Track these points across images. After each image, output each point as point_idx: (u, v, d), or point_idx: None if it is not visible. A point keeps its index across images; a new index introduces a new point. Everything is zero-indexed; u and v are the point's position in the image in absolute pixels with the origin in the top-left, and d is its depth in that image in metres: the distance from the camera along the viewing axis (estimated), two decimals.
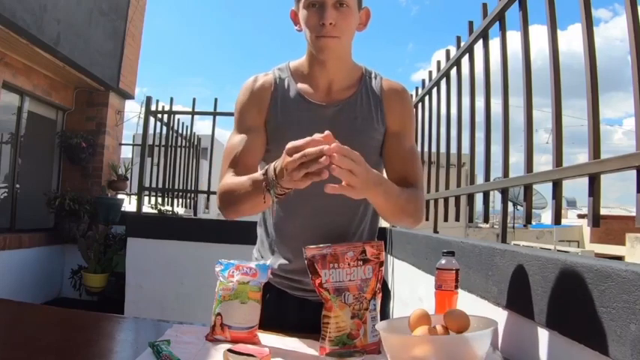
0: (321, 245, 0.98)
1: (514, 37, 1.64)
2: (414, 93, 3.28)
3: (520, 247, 1.19)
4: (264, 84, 1.14)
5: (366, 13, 1.11)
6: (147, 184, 4.55)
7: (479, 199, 1.98)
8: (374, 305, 0.98)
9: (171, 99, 4.63)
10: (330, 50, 1.06)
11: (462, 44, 2.20)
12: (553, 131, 1.34)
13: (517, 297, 1.04)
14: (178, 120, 4.91)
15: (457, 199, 2.30)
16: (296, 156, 0.83)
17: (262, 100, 1.13)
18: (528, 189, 1.49)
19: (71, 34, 4.43)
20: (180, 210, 5.33)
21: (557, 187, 1.28)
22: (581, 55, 1.19)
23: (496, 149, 1.95)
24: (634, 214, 0.99)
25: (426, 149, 2.96)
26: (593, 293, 0.78)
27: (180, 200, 5.18)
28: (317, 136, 0.85)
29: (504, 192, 1.65)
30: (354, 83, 1.15)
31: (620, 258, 9.18)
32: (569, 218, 17.74)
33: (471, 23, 2.07)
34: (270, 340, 1.01)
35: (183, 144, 5.24)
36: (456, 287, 1.06)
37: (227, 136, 1.19)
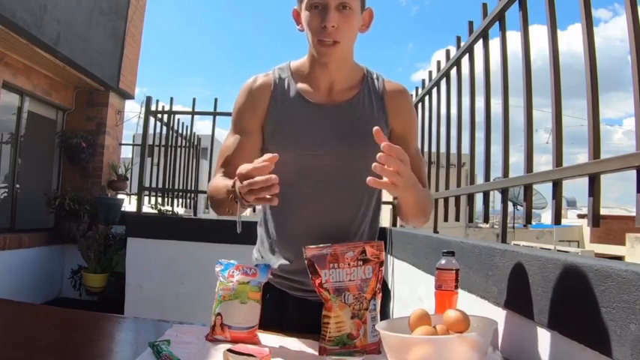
0: (321, 245, 0.98)
1: (514, 37, 1.64)
2: (414, 93, 3.28)
3: (520, 247, 1.19)
4: (263, 84, 1.14)
5: (369, 14, 1.11)
6: (147, 184, 4.55)
7: (479, 199, 1.98)
8: (374, 305, 0.98)
9: (171, 99, 4.64)
10: (330, 57, 1.06)
11: (462, 44, 2.20)
12: (553, 131, 1.34)
13: (517, 297, 1.04)
14: (178, 120, 4.91)
15: (457, 199, 2.30)
16: (245, 183, 0.86)
17: (260, 101, 1.13)
18: (528, 189, 1.49)
19: (71, 34, 4.43)
20: (180, 210, 5.33)
21: (557, 187, 1.28)
22: (581, 55, 1.19)
23: (496, 149, 1.95)
24: (634, 214, 0.99)
25: (426, 149, 2.96)
26: (593, 293, 0.78)
27: (180, 200, 5.18)
28: (260, 160, 0.88)
29: (504, 192, 1.65)
30: (356, 84, 1.15)
31: (620, 258, 9.18)
32: (569, 218, 17.73)
33: (470, 23, 2.07)
34: (270, 340, 1.01)
35: (183, 144, 5.24)
36: (456, 287, 1.06)
37: (225, 136, 1.20)
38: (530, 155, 1.47)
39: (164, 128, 4.72)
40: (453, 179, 2.51)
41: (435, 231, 2.56)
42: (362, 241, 1.11)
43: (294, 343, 1.01)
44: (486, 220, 1.90)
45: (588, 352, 0.78)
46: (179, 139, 5.03)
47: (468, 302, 1.23)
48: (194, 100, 4.59)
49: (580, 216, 17.62)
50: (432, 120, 2.89)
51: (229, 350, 0.85)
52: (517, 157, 1.69)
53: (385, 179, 0.87)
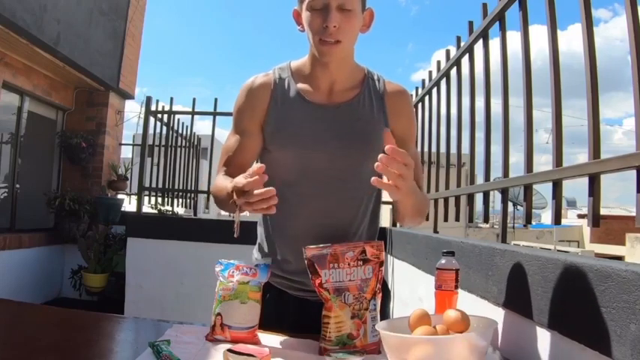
0: (321, 245, 0.98)
1: (514, 37, 1.64)
2: (414, 93, 3.28)
3: (520, 247, 1.19)
4: (263, 84, 1.14)
5: (370, 14, 1.11)
6: (147, 184, 4.55)
7: (479, 199, 1.98)
8: (374, 305, 0.98)
9: (171, 99, 4.64)
10: (332, 56, 1.06)
11: (462, 44, 2.20)
12: (553, 131, 1.34)
13: (517, 297, 1.04)
14: (178, 120, 4.91)
15: (457, 199, 2.30)
16: (241, 198, 0.88)
17: (260, 101, 1.13)
18: (528, 189, 1.49)
19: (71, 34, 4.43)
20: (180, 210, 5.33)
21: (557, 187, 1.28)
22: (581, 55, 1.19)
23: (496, 149, 1.95)
24: (634, 214, 0.99)
25: (426, 149, 2.96)
26: (593, 293, 0.78)
27: (180, 200, 5.18)
28: (250, 171, 0.89)
29: (504, 192, 1.65)
30: (356, 85, 1.15)
31: (620, 258, 9.18)
32: (569, 218, 17.73)
33: (470, 23, 2.07)
34: (270, 340, 1.01)
35: (183, 144, 5.24)
36: (456, 287, 1.06)
37: (227, 135, 1.20)
38: (530, 155, 1.47)
39: (164, 128, 4.72)
40: (453, 179, 2.51)
41: (435, 231, 2.55)
42: (362, 241, 1.11)
43: (294, 343, 1.01)
44: (486, 220, 1.90)
45: (588, 352, 0.78)
46: (179, 139, 5.03)
47: (468, 302, 1.23)
48: (194, 100, 4.60)
49: (580, 216, 17.62)
50: (432, 120, 2.89)
51: (229, 350, 0.85)
52: (517, 157, 1.70)
53: (388, 181, 0.87)
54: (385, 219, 3.78)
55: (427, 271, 1.80)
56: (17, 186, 4.70)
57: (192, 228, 3.81)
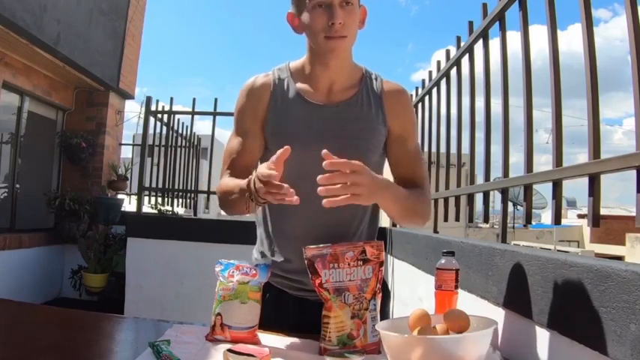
0: (321, 245, 0.98)
1: (514, 37, 1.64)
2: (414, 93, 3.28)
3: (520, 247, 1.19)
4: (262, 85, 1.15)
5: (364, 11, 1.12)
6: (147, 184, 4.55)
7: (479, 199, 1.98)
8: (374, 305, 0.98)
9: (171, 99, 4.64)
10: (339, 51, 1.07)
11: (462, 44, 2.20)
12: (553, 131, 1.34)
13: (517, 297, 1.04)
14: (178, 120, 4.91)
15: (457, 199, 2.30)
16: (264, 188, 0.89)
17: (260, 101, 1.13)
18: (528, 189, 1.49)
19: (71, 34, 4.43)
20: (180, 210, 5.33)
21: (557, 187, 1.28)
22: (581, 55, 1.19)
23: (496, 149, 1.95)
24: (634, 214, 0.99)
25: (426, 149, 2.96)
26: (593, 293, 0.78)
27: (180, 200, 5.18)
28: (277, 155, 0.91)
29: (504, 192, 1.65)
30: (355, 84, 1.15)
31: (620, 258, 9.18)
32: (569, 218, 17.73)
33: (470, 23, 2.07)
34: (270, 340, 1.01)
35: (183, 144, 5.24)
36: (456, 287, 1.06)
37: (227, 135, 1.21)
38: (530, 155, 1.47)
39: (164, 128, 4.72)
40: (453, 179, 2.51)
41: (435, 231, 2.55)
42: (362, 241, 1.11)
43: (294, 343, 1.01)
44: (486, 220, 1.90)
45: (588, 352, 0.78)
46: (179, 139, 5.03)
47: (468, 302, 1.23)
48: (194, 100, 4.60)
49: (580, 216, 17.62)
50: (432, 120, 2.89)
51: (229, 350, 0.85)
52: (517, 157, 1.70)
53: (342, 197, 0.87)
54: (385, 219, 3.78)
55: (427, 271, 1.80)
56: (17, 186, 4.70)
57: (192, 228, 3.81)
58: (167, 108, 4.61)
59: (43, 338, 1.01)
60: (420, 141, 3.04)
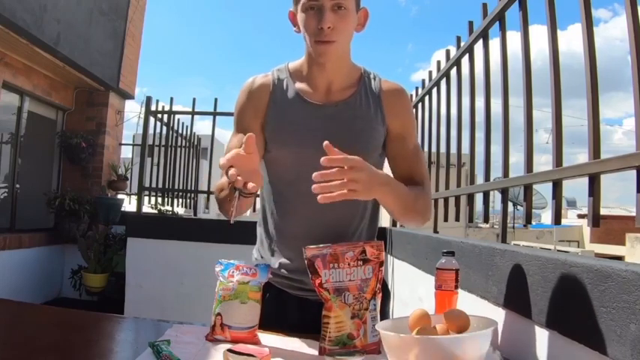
0: (321, 245, 0.98)
1: (514, 37, 1.64)
2: (414, 93, 3.28)
3: (520, 247, 1.19)
4: (262, 85, 1.15)
5: (364, 13, 1.11)
6: (147, 184, 4.55)
7: (479, 199, 1.98)
8: (374, 305, 0.98)
9: (171, 99, 4.64)
10: (328, 55, 1.06)
11: (462, 44, 2.20)
12: (553, 131, 1.34)
13: (517, 297, 1.04)
14: (178, 120, 4.91)
15: (457, 199, 2.30)
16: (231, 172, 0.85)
17: (260, 101, 1.13)
18: (528, 189, 1.49)
19: (71, 34, 4.43)
20: (180, 210, 5.33)
21: (557, 187, 1.28)
22: (581, 55, 1.19)
23: (496, 149, 1.95)
24: (634, 214, 0.99)
25: (426, 149, 2.96)
26: (593, 293, 0.78)
27: (180, 200, 5.18)
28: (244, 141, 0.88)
29: (504, 192, 1.65)
30: (353, 83, 1.15)
31: (620, 258, 9.18)
32: (569, 218, 17.73)
33: (470, 23, 2.07)
34: (270, 340, 1.01)
35: (183, 144, 5.24)
36: (456, 287, 1.06)
37: (227, 135, 1.21)
38: (530, 155, 1.47)
39: (164, 128, 4.73)
40: (453, 179, 2.51)
41: (435, 231, 2.55)
42: (362, 240, 1.11)
43: (294, 343, 1.01)
44: (486, 220, 1.90)
45: (588, 352, 0.78)
46: (179, 139, 5.03)
47: (468, 302, 1.23)
48: (194, 100, 4.60)
49: (580, 216, 17.62)
50: (432, 120, 2.89)
51: (229, 350, 0.85)
52: (517, 157, 1.70)
53: (337, 193, 0.86)
54: (385, 219, 3.78)
55: (427, 271, 1.80)
56: (17, 186, 4.70)
57: (192, 228, 3.81)
58: (167, 108, 4.61)
59: (43, 338, 1.01)
60: (420, 141, 3.04)
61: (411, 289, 2.06)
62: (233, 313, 0.99)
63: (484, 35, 1.92)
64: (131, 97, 5.97)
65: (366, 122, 1.12)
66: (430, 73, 2.90)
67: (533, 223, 15.27)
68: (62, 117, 5.39)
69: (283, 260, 1.14)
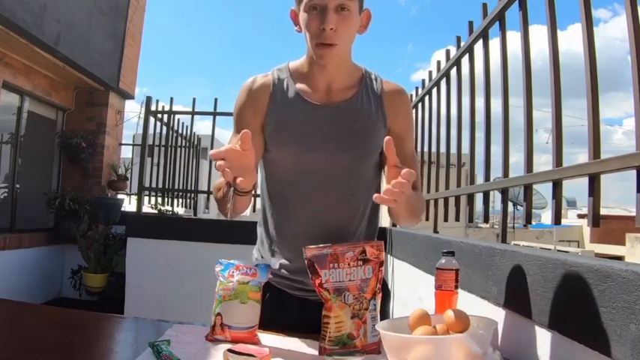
0: (321, 245, 0.98)
1: (514, 37, 1.64)
2: (414, 93, 3.28)
3: (520, 247, 1.19)
4: (262, 85, 1.14)
5: (367, 15, 1.11)
6: (147, 184, 4.55)
7: (479, 199, 1.98)
8: (374, 305, 0.98)
9: (171, 99, 4.64)
10: (328, 58, 1.06)
11: (462, 44, 2.20)
12: (553, 131, 1.34)
13: (517, 297, 1.04)
14: (178, 120, 4.91)
15: (457, 199, 2.30)
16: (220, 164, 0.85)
17: (260, 101, 1.13)
18: (528, 189, 1.49)
19: (71, 34, 4.43)
20: (180, 210, 5.33)
21: (557, 187, 1.28)
22: (581, 55, 1.19)
23: (496, 149, 1.95)
24: (634, 214, 0.99)
25: (426, 149, 2.96)
26: (593, 293, 0.78)
27: (180, 200, 5.18)
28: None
29: (504, 192, 1.65)
30: (354, 84, 1.15)
31: (620, 258, 9.18)
32: (569, 218, 17.73)
33: (470, 23, 2.07)
34: (270, 340, 1.01)
35: (183, 144, 5.24)
36: (456, 287, 1.06)
37: (227, 136, 1.21)
38: (530, 155, 1.47)
39: (164, 128, 4.73)
40: (453, 179, 2.51)
41: (435, 231, 2.55)
42: (362, 240, 1.11)
43: (294, 343, 1.01)
44: (486, 220, 1.90)
45: (588, 352, 0.78)
46: (179, 139, 5.03)
47: (468, 302, 1.23)
48: (194, 100, 4.60)
49: (580, 216, 17.62)
50: (431, 120, 2.89)
51: (229, 350, 0.85)
52: (517, 157, 1.70)
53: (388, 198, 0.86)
54: (385, 219, 3.78)
55: (427, 271, 1.80)
56: (17, 186, 4.70)
57: (192, 228, 3.81)
58: (167, 108, 4.61)
59: (43, 338, 1.01)
60: (420, 141, 3.04)
61: (411, 289, 2.06)
62: (233, 313, 0.99)
63: (484, 35, 1.92)
64: (131, 97, 5.97)
65: (369, 122, 1.11)
66: (430, 73, 2.90)
67: (533, 223, 15.26)
68: (62, 117, 5.39)
69: (283, 260, 1.14)
